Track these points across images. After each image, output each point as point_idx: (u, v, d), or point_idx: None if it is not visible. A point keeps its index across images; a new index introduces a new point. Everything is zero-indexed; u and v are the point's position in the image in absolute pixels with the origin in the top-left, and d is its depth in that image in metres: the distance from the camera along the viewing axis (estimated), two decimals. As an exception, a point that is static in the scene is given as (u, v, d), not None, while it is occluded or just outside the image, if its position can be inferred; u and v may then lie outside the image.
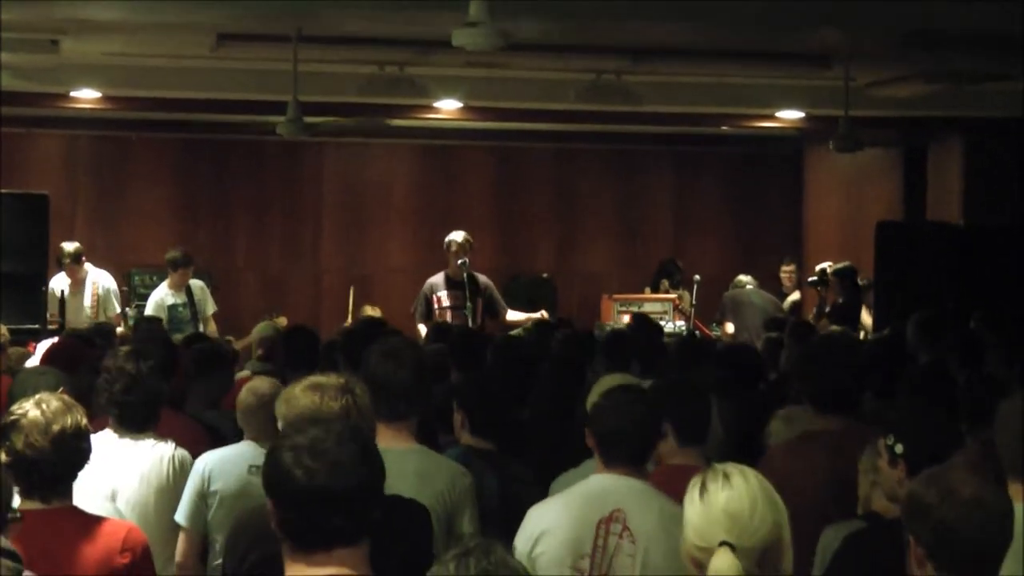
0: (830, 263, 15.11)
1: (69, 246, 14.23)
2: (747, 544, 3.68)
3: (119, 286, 14.98)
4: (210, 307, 14.39)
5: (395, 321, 12.73)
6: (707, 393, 6.19)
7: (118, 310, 14.25)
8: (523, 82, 14.88)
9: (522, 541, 5.13)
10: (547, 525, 5.10)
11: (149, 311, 13.97)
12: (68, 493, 4.96)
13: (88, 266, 14.44)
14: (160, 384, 6.59)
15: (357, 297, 15.66)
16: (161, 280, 14.54)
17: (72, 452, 4.91)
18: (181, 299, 14.12)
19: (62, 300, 13.63)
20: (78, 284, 14.13)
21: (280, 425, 4.70)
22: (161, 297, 14.17)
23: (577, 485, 5.29)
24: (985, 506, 3.81)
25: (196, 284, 14.35)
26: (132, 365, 6.49)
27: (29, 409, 4.88)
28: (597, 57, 13.32)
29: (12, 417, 4.89)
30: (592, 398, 6.24)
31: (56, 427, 4.84)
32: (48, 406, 4.89)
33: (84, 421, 4.97)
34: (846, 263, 14.95)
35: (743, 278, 16.08)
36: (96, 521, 5.01)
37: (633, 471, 5.19)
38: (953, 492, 3.82)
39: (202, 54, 13.33)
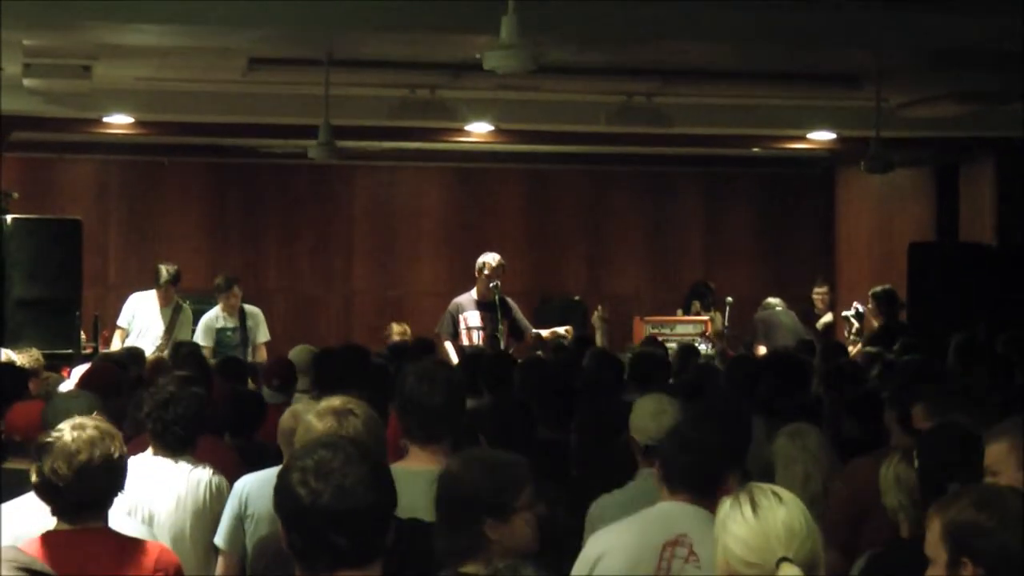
0: (870, 301, 14.98)
1: (172, 267, 14.15)
2: (799, 560, 3.78)
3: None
4: (262, 335, 14.22)
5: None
6: (747, 417, 6.11)
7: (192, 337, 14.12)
8: (554, 105, 14.89)
9: (580, 565, 5.07)
10: (606, 547, 5.05)
11: (198, 333, 13.96)
12: (99, 516, 4.95)
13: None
14: (200, 409, 6.62)
15: (387, 317, 15.64)
16: (198, 303, 14.51)
17: (97, 481, 4.87)
18: (232, 323, 14.01)
19: (95, 325, 13.65)
20: (167, 305, 14.05)
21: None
22: (210, 319, 14.10)
23: (641, 511, 5.23)
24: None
25: (251, 311, 14.24)
26: (175, 388, 6.54)
27: (64, 434, 4.87)
28: (628, 79, 13.34)
29: (48, 438, 4.90)
30: (634, 419, 6.23)
31: (82, 457, 4.82)
32: (81, 433, 4.86)
33: (117, 451, 4.92)
34: (886, 286, 14.91)
35: (772, 300, 16.07)
36: (129, 542, 5.01)
37: (698, 499, 5.10)
38: (1009, 513, 3.90)
39: (234, 78, 13.38)
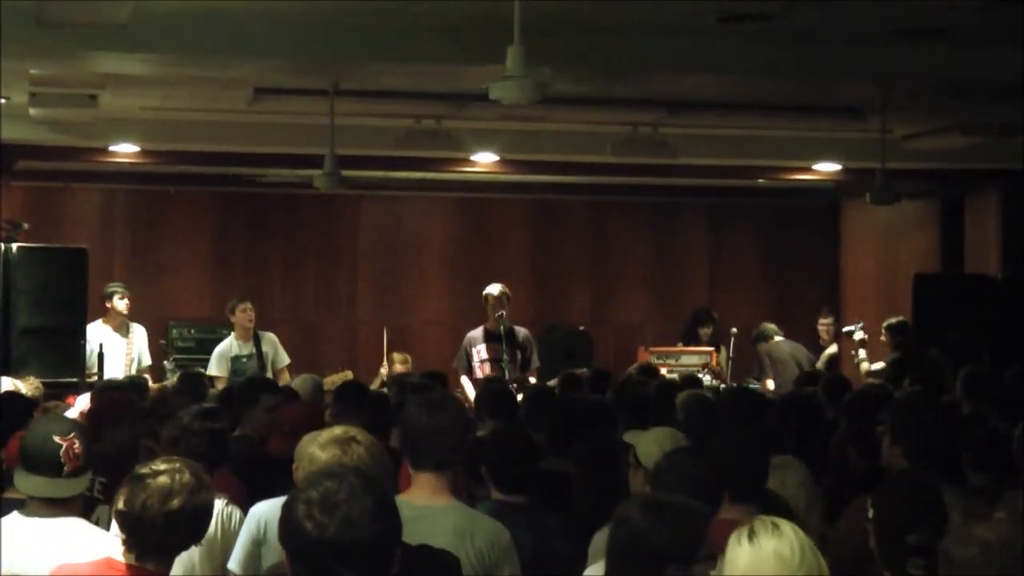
0: (884, 334, 14.96)
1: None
2: None
3: (157, 339, 14.96)
4: (282, 359, 14.08)
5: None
6: (765, 453, 6.05)
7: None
8: (559, 135, 14.91)
9: None
10: None
11: (212, 364, 13.94)
12: (168, 562, 4.84)
13: None
14: (222, 441, 6.63)
15: (391, 343, 15.62)
16: (203, 333, 14.49)
17: (180, 528, 4.77)
18: (247, 350, 13.94)
19: (100, 354, 13.64)
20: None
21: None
22: (224, 348, 14.05)
23: None
24: (1003, 543, 3.95)
25: (267, 336, 14.19)
26: (193, 420, 6.56)
27: (162, 472, 4.76)
28: (633, 110, 13.36)
29: (144, 471, 4.79)
30: (647, 450, 6.21)
31: (176, 502, 4.71)
32: (180, 477, 4.75)
33: (210, 504, 4.86)
34: (899, 317, 14.90)
35: (770, 327, 16.06)
36: None
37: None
38: (968, 534, 4.01)
39: (239, 108, 13.40)
